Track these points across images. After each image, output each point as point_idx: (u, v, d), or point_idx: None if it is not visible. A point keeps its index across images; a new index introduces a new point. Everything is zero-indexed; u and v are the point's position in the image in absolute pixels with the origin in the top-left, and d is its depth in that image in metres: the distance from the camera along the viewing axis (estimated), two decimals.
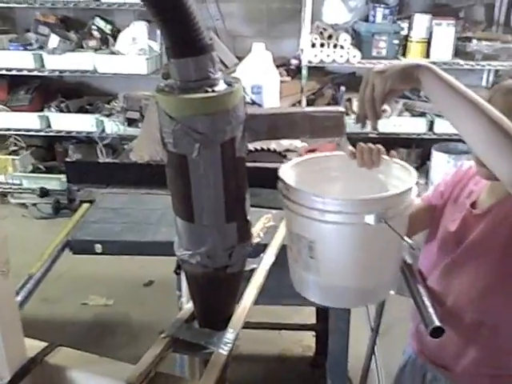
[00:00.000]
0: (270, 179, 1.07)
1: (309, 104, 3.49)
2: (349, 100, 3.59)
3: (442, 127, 3.40)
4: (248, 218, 0.97)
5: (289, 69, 3.61)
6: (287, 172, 1.03)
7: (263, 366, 2.50)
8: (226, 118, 0.86)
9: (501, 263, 1.11)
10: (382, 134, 3.42)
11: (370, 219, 0.87)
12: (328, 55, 3.27)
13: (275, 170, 1.03)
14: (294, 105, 3.49)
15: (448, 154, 3.14)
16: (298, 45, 3.60)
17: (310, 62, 3.31)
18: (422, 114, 3.46)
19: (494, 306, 1.14)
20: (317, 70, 3.56)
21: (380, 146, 1.08)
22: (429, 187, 3.56)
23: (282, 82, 3.42)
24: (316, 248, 0.95)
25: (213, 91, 0.85)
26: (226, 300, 1.01)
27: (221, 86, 0.87)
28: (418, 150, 3.69)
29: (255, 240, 1.30)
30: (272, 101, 2.14)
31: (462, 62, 3.31)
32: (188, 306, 1.05)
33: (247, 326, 1.04)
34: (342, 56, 3.26)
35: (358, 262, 0.97)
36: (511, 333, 1.17)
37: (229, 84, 0.88)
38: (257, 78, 2.10)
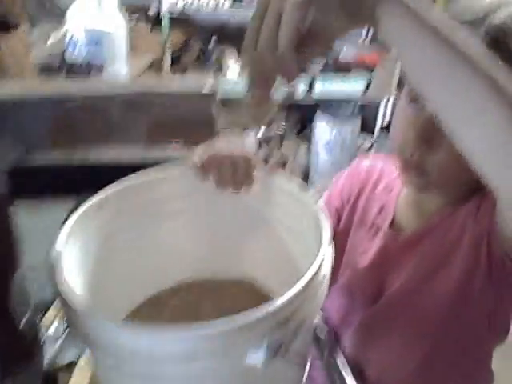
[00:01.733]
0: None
1: (174, 62, 2.94)
2: (221, 55, 3.11)
3: (323, 87, 3.06)
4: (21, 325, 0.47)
5: (147, 18, 3.01)
6: (73, 234, 0.52)
7: None
8: None
9: (451, 320, 0.73)
10: None
11: (256, 358, 0.41)
12: (191, 2, 2.73)
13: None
14: (155, 61, 2.93)
15: (332, 116, 2.81)
16: None
17: (170, 10, 2.75)
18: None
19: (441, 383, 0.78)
20: (181, 20, 3.00)
21: (251, 154, 0.62)
22: (310, 157, 3.26)
23: (139, 33, 2.84)
24: None
25: None
26: None
27: None
28: (298, 113, 3.33)
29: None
30: (118, 58, 1.59)
31: None
32: None
33: None
34: (208, 3, 2.74)
35: None
36: None
37: None
38: (94, 26, 1.53)
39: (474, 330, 0.74)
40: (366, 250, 0.82)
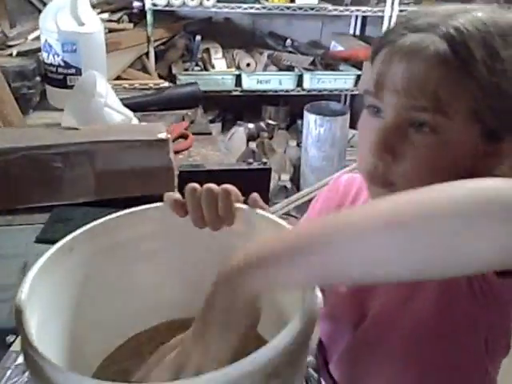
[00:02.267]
0: None
1: (158, 58, 2.89)
2: (207, 51, 3.06)
3: (312, 82, 3.02)
4: None
5: (131, 13, 2.94)
6: (40, 282, 0.48)
7: None
8: None
9: (437, 342, 0.70)
10: (247, 92, 2.96)
11: None
12: None
13: None
14: (139, 57, 2.87)
15: (320, 115, 2.76)
16: None
17: (154, 4, 2.68)
18: (290, 68, 3.03)
19: None
20: (165, 15, 2.94)
21: (230, 187, 0.57)
22: (301, 150, 3.22)
23: (123, 29, 2.78)
24: None
25: None
26: None
27: None
28: (287, 108, 3.29)
29: None
30: (95, 60, 1.54)
31: (330, 6, 2.90)
32: None
33: None
34: None
35: None
36: None
37: None
38: (68, 31, 1.48)
39: (469, 353, 0.70)
40: None
